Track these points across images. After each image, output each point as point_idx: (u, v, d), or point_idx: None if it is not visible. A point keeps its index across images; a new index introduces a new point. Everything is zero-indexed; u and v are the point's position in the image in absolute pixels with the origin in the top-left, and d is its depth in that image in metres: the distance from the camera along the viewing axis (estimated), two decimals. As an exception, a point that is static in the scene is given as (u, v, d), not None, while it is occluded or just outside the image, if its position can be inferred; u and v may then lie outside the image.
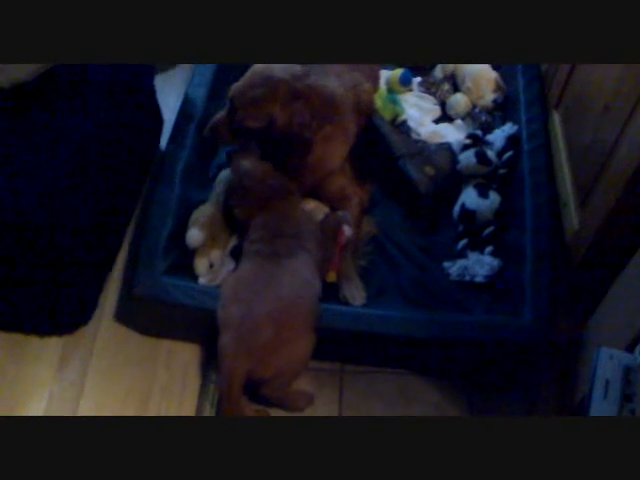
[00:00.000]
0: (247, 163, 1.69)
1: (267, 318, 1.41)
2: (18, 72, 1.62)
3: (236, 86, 1.68)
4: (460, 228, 1.77)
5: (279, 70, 1.66)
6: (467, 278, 1.67)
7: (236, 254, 1.67)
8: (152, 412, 1.54)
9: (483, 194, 1.77)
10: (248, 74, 1.69)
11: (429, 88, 2.12)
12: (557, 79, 1.92)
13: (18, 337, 1.65)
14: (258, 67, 1.68)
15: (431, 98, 2.10)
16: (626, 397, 1.10)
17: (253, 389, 1.47)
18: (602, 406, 1.09)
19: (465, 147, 1.87)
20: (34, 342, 1.65)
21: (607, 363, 1.14)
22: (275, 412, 1.52)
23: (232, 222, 1.71)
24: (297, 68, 1.69)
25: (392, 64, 2.12)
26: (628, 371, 1.12)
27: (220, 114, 1.73)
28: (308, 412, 1.53)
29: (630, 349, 1.17)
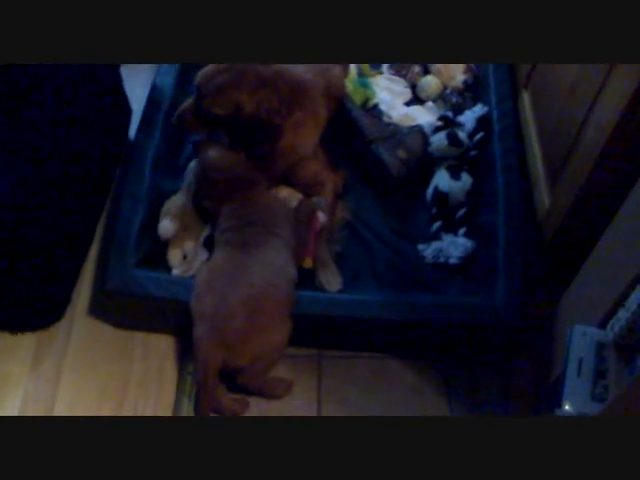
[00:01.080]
0: (211, 153, 1.68)
1: (240, 306, 1.41)
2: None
3: (202, 73, 1.65)
4: (433, 210, 1.78)
5: None
6: (442, 260, 1.67)
7: (209, 244, 1.66)
8: (129, 406, 1.53)
9: (455, 176, 1.78)
10: None
11: (399, 71, 2.11)
12: (526, 59, 1.93)
13: (-10, 334, 1.62)
14: None
15: (401, 81, 2.10)
16: (600, 373, 1.12)
17: (231, 378, 1.47)
18: (576, 383, 1.11)
19: (437, 129, 1.87)
20: (7, 339, 1.62)
21: (580, 340, 1.16)
22: (254, 400, 1.51)
23: (203, 212, 1.70)
24: None
25: (371, 63, 2.09)
26: (601, 347, 1.14)
27: (187, 102, 1.71)
28: (287, 399, 1.54)
29: (603, 325, 1.18)
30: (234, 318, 1.41)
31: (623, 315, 1.11)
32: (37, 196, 1.49)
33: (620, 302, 1.13)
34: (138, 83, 2.07)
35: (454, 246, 1.68)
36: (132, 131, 1.95)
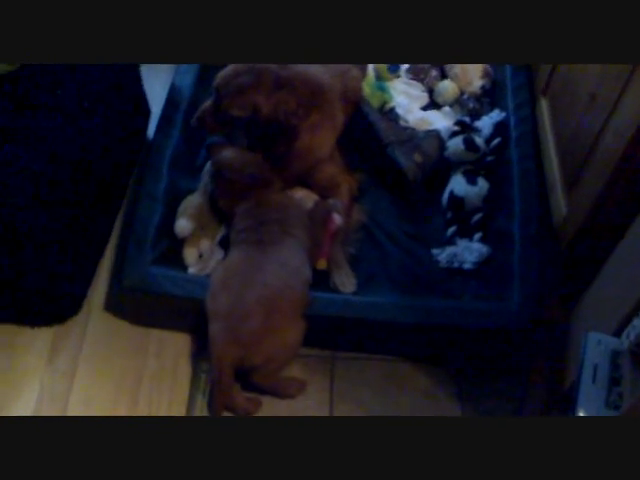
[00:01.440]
0: (226, 154, 1.69)
1: (256, 306, 1.42)
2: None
3: (221, 75, 1.67)
4: (449, 215, 1.78)
5: None
6: (456, 265, 1.67)
7: (225, 244, 1.67)
8: (144, 402, 1.55)
9: (471, 181, 1.78)
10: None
11: (417, 75, 2.11)
12: (544, 66, 1.93)
13: (8, 328, 1.64)
14: None
15: (419, 85, 2.10)
16: (614, 381, 1.11)
17: (244, 377, 1.48)
18: (591, 390, 1.11)
19: (453, 134, 1.87)
20: (25, 333, 1.64)
21: (595, 348, 1.15)
22: (267, 400, 1.52)
23: (219, 212, 1.71)
24: None
25: (384, 63, 2.09)
26: (616, 355, 1.14)
27: (206, 103, 1.72)
28: (299, 399, 1.54)
29: (618, 334, 1.18)
30: (249, 318, 1.42)
31: (638, 323, 1.11)
32: (56, 192, 1.51)
33: (636, 310, 1.13)
34: (157, 83, 2.10)
35: (469, 251, 1.69)
36: (151, 130, 1.97)
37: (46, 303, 1.63)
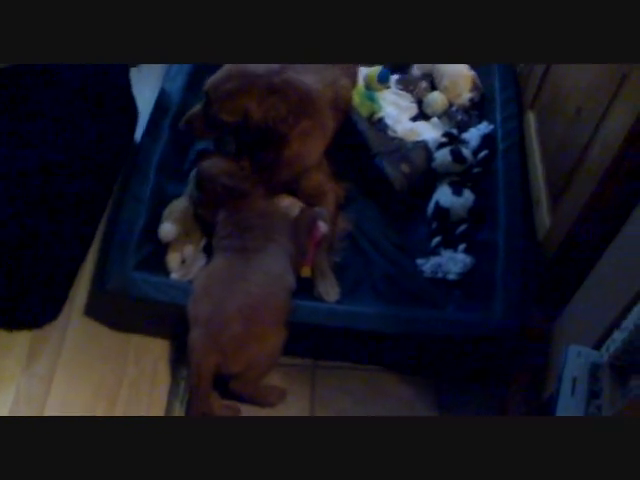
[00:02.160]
0: (207, 162, 1.69)
1: (236, 313, 1.41)
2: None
3: (211, 79, 1.67)
4: (434, 225, 1.78)
5: (255, 64, 1.65)
6: (440, 275, 1.67)
7: (209, 250, 1.66)
8: (121, 408, 1.52)
9: (457, 192, 1.78)
10: (224, 67, 1.67)
11: (407, 86, 2.12)
12: (532, 80, 1.94)
13: (-15, 331, 1.62)
14: None
15: (408, 96, 2.11)
16: (593, 394, 1.11)
17: (224, 384, 1.46)
18: (569, 402, 1.11)
19: (441, 145, 1.87)
20: (1, 336, 1.61)
21: (575, 360, 1.15)
22: (246, 408, 1.51)
23: (201, 219, 1.70)
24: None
25: (373, 64, 2.11)
26: (595, 368, 1.14)
27: (196, 108, 1.72)
28: (280, 408, 1.53)
29: (598, 346, 1.18)
30: (229, 325, 1.40)
31: (618, 336, 1.11)
32: (37, 193, 1.50)
33: (616, 323, 1.13)
34: (147, 86, 2.09)
35: (453, 262, 1.68)
36: (139, 134, 1.96)
37: (25, 306, 1.60)
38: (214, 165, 1.68)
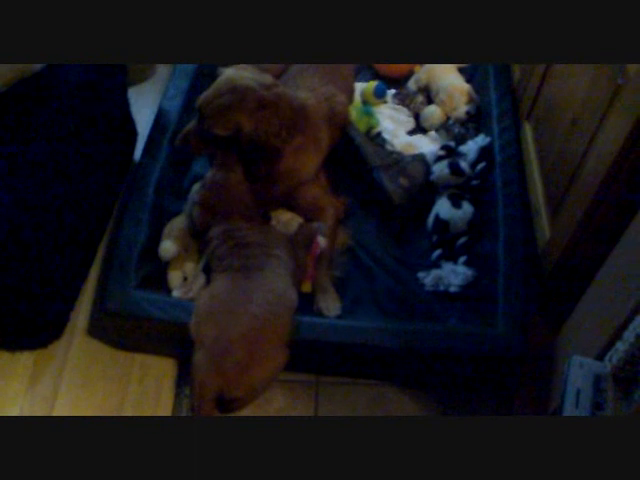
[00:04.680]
0: (209, 175, 1.71)
1: (240, 339, 1.41)
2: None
3: (203, 95, 1.67)
4: (434, 238, 1.78)
5: (247, 79, 1.66)
6: (441, 288, 1.67)
7: (207, 269, 1.66)
8: (125, 428, 1.52)
9: (456, 204, 1.79)
10: (216, 83, 1.68)
11: (403, 100, 2.14)
12: (528, 91, 1.95)
13: (-12, 352, 1.62)
14: (226, 75, 1.68)
15: (405, 110, 2.12)
16: (597, 405, 1.11)
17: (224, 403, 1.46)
18: (574, 414, 1.10)
19: (439, 158, 1.88)
20: (4, 357, 1.62)
21: (578, 372, 1.15)
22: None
23: (195, 235, 1.71)
24: (266, 77, 1.70)
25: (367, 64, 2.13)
26: (599, 379, 1.13)
27: (191, 124, 1.73)
28: (283, 425, 1.52)
29: (601, 357, 1.18)
30: (233, 350, 1.40)
31: (621, 347, 1.11)
32: (39, 214, 1.50)
33: (618, 334, 1.13)
34: (146, 106, 2.10)
35: (454, 274, 1.68)
36: (138, 153, 1.97)
37: (28, 328, 1.60)
38: (213, 178, 1.70)
